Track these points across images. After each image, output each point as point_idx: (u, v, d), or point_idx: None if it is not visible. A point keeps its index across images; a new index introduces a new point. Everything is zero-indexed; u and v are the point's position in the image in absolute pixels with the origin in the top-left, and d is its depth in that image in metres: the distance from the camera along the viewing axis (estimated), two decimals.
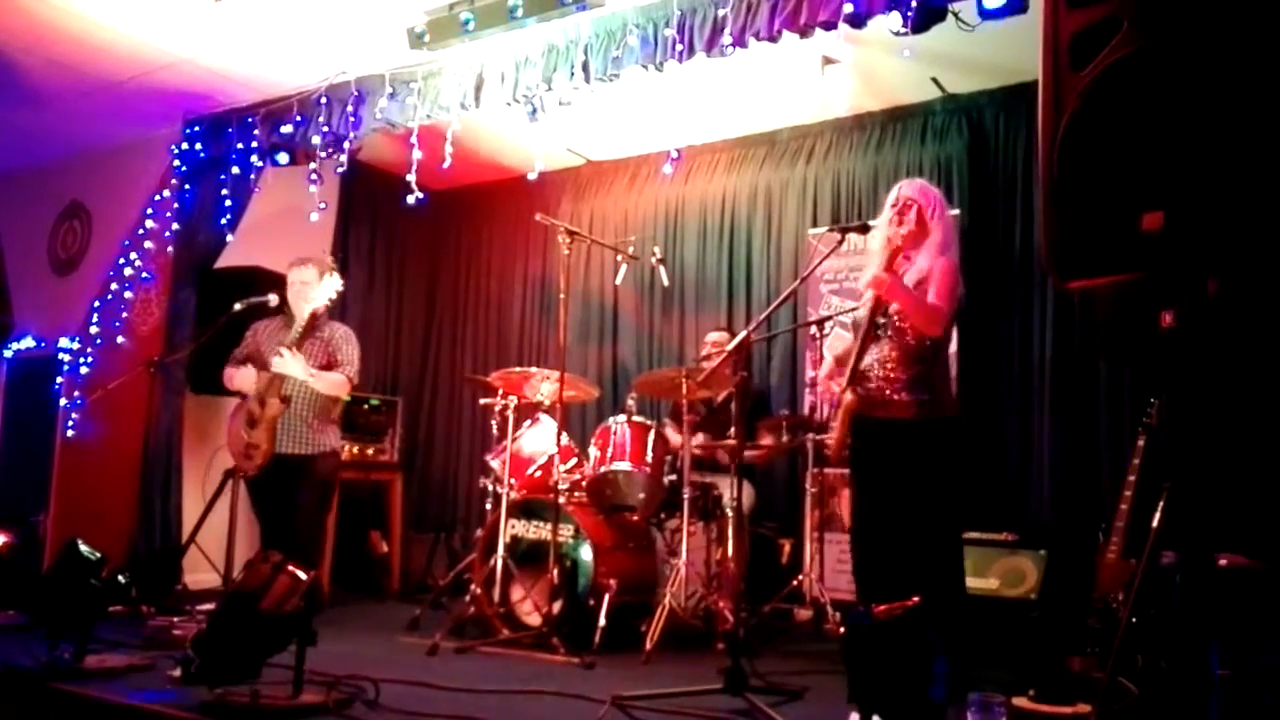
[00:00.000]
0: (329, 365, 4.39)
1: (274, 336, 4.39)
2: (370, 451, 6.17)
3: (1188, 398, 2.29)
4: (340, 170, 5.27)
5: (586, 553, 4.25)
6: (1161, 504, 2.68)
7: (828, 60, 4.87)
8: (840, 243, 3.63)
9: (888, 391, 3.41)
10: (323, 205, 5.29)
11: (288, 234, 5.58)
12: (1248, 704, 2.80)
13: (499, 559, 4.33)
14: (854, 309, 3.77)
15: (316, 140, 5.05)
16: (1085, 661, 3.28)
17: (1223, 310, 2.09)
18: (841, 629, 3.26)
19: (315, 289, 4.34)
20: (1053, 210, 2.09)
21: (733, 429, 4.34)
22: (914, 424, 3.38)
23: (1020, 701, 2.96)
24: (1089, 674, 3.16)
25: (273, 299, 4.51)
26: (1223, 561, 3.42)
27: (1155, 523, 2.72)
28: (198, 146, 5.63)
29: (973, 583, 4.21)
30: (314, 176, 5.13)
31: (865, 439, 3.47)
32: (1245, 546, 3.56)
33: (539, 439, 4.70)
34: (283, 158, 5.32)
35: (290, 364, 4.24)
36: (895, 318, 3.42)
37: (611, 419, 4.58)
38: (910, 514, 3.41)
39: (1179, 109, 1.92)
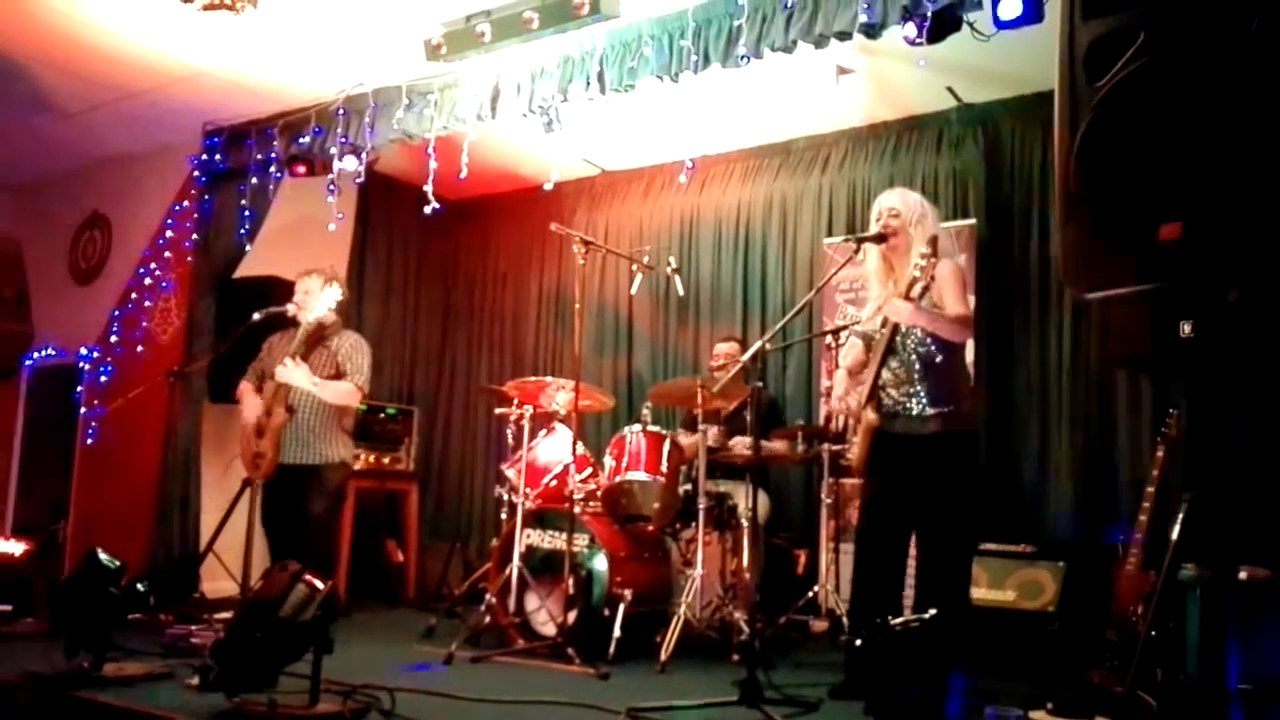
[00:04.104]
0: (337, 375, 4.40)
1: (284, 348, 4.41)
2: (386, 461, 6.20)
3: (1207, 408, 2.27)
4: (358, 181, 5.30)
5: (601, 563, 4.24)
6: (1181, 516, 2.66)
7: (843, 70, 4.87)
8: (856, 252, 3.64)
9: (909, 406, 3.41)
10: (340, 215, 5.31)
11: (306, 244, 5.63)
12: (1268, 718, 2.77)
13: (514, 568, 4.33)
14: (865, 321, 3.76)
15: (334, 151, 5.08)
16: (1104, 675, 3.25)
17: (1242, 319, 2.07)
18: (858, 641, 3.25)
19: (316, 298, 4.37)
20: (1070, 221, 2.09)
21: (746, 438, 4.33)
22: (935, 437, 3.37)
23: (1038, 715, 2.94)
24: (1108, 687, 3.14)
25: (290, 308, 4.54)
26: (1243, 574, 3.39)
27: (1175, 535, 2.70)
28: (217, 157, 5.68)
29: (990, 595, 4.18)
30: (332, 187, 5.16)
31: (888, 452, 3.46)
32: (1266, 558, 3.52)
33: (554, 448, 4.70)
34: (301, 168, 5.36)
35: (293, 373, 4.26)
36: (913, 333, 3.42)
37: (626, 428, 4.58)
38: (924, 525, 3.40)
39: (1197, 118, 1.91)
